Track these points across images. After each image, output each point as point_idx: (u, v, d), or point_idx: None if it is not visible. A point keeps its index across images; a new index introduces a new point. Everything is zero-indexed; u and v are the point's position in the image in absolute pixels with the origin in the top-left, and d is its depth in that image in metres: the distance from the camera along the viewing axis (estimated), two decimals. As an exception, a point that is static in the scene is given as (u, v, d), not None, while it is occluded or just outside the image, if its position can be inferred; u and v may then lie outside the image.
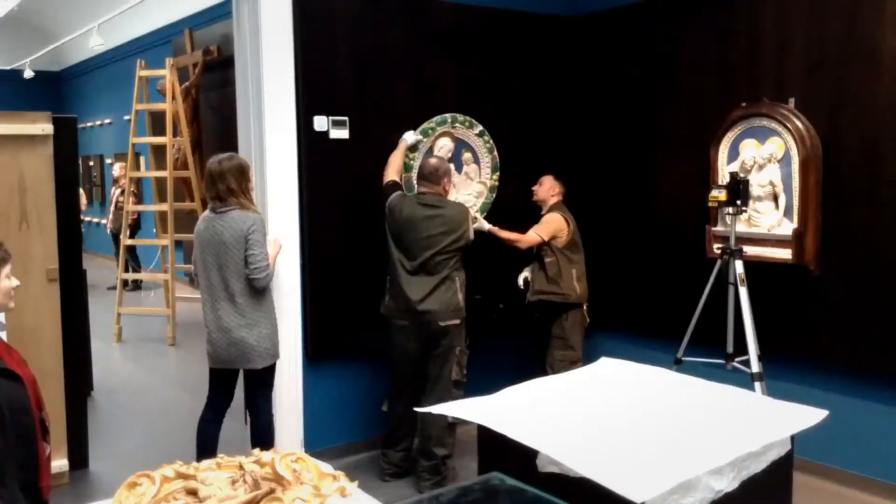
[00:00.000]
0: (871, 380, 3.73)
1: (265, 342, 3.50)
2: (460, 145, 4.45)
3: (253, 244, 3.39)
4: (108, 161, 12.80)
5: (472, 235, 3.90)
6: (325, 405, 4.21)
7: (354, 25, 4.16)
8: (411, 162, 4.24)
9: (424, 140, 4.27)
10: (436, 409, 2.52)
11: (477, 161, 4.48)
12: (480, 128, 4.47)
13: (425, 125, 4.28)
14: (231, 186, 3.44)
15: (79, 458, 4.18)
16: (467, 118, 4.41)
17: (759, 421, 2.30)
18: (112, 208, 9.92)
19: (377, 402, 4.12)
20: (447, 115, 4.35)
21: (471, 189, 4.49)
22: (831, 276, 3.82)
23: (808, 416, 2.33)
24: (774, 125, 3.91)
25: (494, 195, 4.50)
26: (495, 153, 4.46)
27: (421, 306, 3.78)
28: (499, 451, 2.24)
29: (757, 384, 3.70)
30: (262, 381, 3.62)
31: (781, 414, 2.37)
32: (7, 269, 2.23)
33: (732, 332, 3.90)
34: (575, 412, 2.38)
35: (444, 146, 4.39)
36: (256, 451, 1.55)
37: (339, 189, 4.14)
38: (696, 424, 2.26)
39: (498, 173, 4.49)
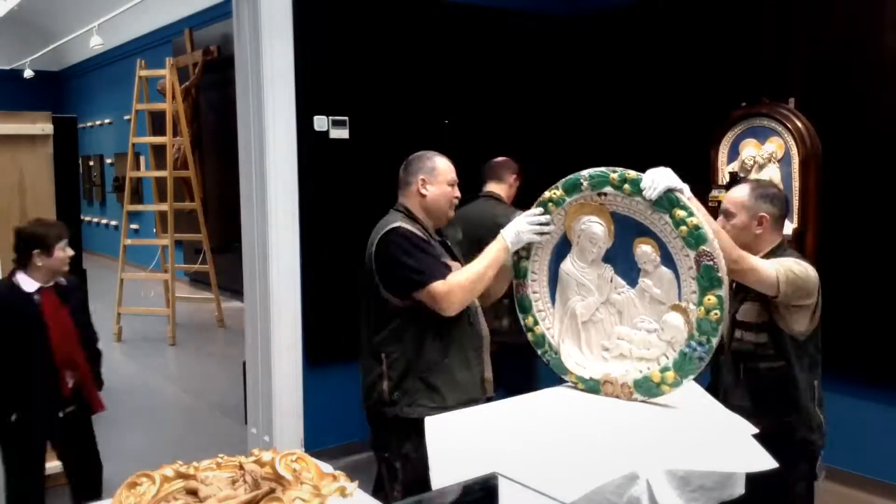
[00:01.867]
0: (871, 380, 3.73)
1: None
2: (625, 229, 2.28)
3: None
4: (108, 161, 12.80)
5: None
6: (325, 405, 4.21)
7: (354, 25, 4.17)
8: (524, 262, 2.47)
9: (546, 225, 2.39)
10: (434, 419, 2.35)
11: (669, 262, 2.20)
12: (666, 184, 2.17)
13: (543, 198, 2.41)
14: None
15: (79, 457, 4.17)
16: (627, 177, 2.25)
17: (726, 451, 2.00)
18: None
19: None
20: (582, 172, 2.34)
21: (654, 320, 2.25)
22: (831, 276, 3.82)
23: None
24: (774, 125, 3.91)
25: (710, 343, 2.13)
26: (709, 243, 2.10)
27: None
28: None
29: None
30: None
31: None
32: (64, 242, 3.02)
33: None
34: (532, 432, 2.13)
35: (583, 232, 2.36)
36: (256, 450, 1.55)
37: (339, 189, 4.14)
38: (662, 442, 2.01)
39: (719, 291, 2.09)
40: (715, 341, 2.12)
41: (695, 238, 2.11)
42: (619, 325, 2.32)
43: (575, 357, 2.39)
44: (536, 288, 2.46)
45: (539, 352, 2.46)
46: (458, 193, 2.69)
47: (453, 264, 2.60)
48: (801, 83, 3.87)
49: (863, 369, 3.75)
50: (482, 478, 1.47)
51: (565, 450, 1.95)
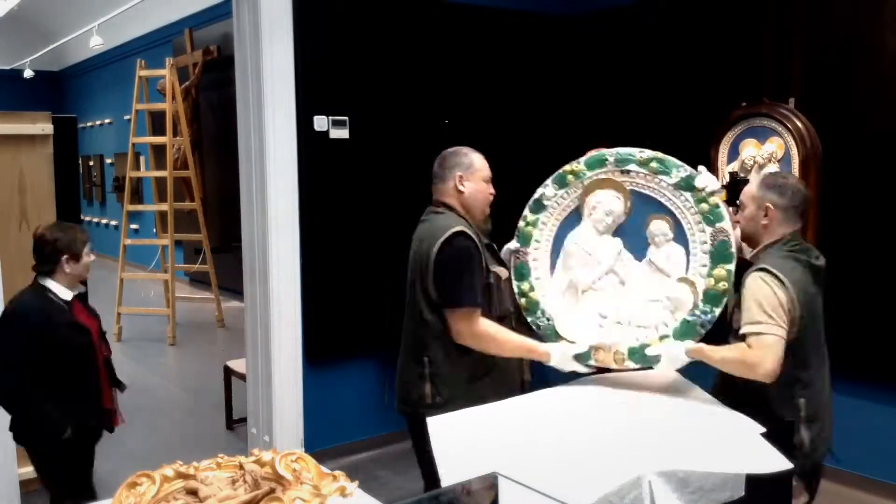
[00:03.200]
0: (870, 380, 3.73)
1: None
2: (642, 206, 2.47)
3: None
4: (108, 161, 12.80)
5: None
6: (325, 405, 4.21)
7: (354, 25, 4.16)
8: (529, 229, 2.63)
9: (556, 194, 2.60)
10: (436, 419, 2.36)
11: (681, 238, 2.43)
12: (687, 171, 2.45)
13: (562, 170, 2.64)
14: None
15: (79, 457, 4.17)
16: (655, 156, 2.45)
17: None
18: None
19: (377, 402, 4.12)
20: (607, 150, 2.52)
21: (660, 290, 2.41)
22: (830, 276, 3.82)
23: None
24: (774, 125, 3.91)
25: (713, 312, 2.34)
26: (725, 221, 2.38)
27: None
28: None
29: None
30: None
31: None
32: (89, 247, 2.90)
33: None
34: (538, 431, 2.14)
35: (600, 204, 2.52)
36: (256, 450, 1.55)
37: (338, 189, 4.14)
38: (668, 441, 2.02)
39: (729, 265, 2.36)
40: (718, 311, 2.28)
41: (714, 216, 2.34)
42: (621, 295, 2.41)
43: (570, 325, 2.44)
44: (537, 256, 2.55)
45: (530, 319, 2.50)
46: (493, 191, 2.68)
47: (500, 270, 2.59)
48: (801, 83, 3.87)
49: (863, 369, 3.75)
50: (482, 477, 1.48)
51: (566, 450, 1.96)
